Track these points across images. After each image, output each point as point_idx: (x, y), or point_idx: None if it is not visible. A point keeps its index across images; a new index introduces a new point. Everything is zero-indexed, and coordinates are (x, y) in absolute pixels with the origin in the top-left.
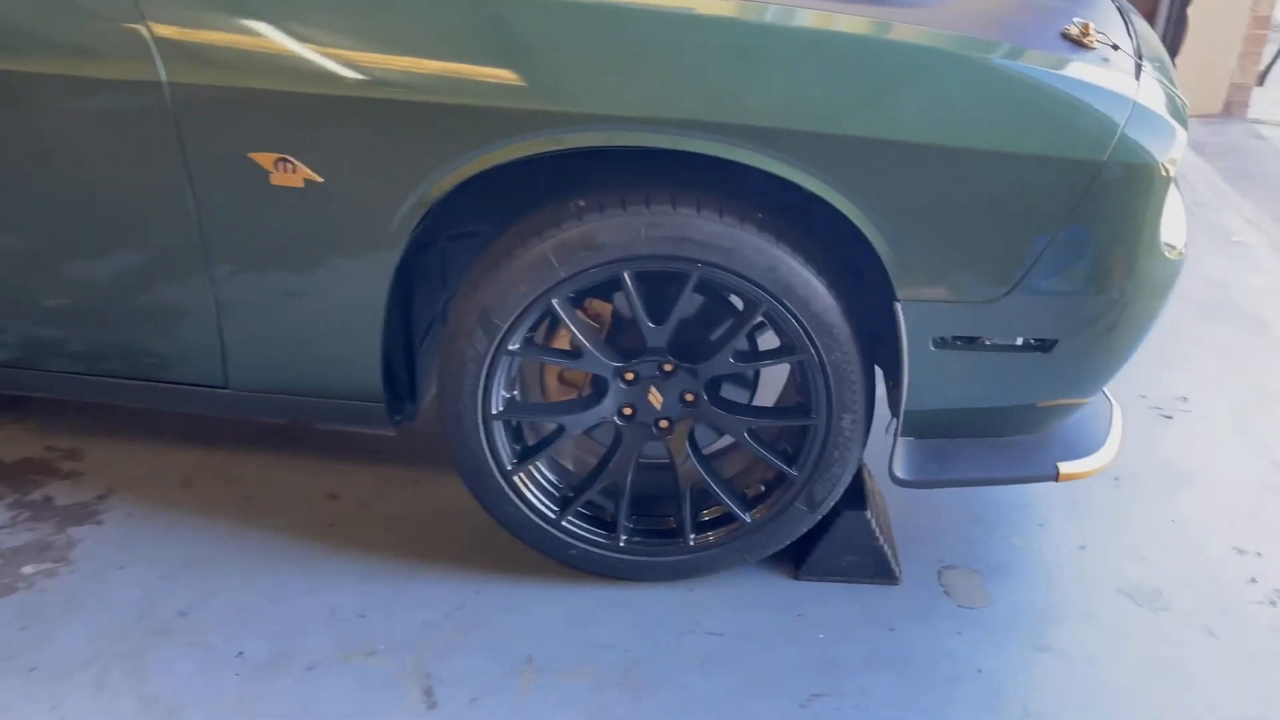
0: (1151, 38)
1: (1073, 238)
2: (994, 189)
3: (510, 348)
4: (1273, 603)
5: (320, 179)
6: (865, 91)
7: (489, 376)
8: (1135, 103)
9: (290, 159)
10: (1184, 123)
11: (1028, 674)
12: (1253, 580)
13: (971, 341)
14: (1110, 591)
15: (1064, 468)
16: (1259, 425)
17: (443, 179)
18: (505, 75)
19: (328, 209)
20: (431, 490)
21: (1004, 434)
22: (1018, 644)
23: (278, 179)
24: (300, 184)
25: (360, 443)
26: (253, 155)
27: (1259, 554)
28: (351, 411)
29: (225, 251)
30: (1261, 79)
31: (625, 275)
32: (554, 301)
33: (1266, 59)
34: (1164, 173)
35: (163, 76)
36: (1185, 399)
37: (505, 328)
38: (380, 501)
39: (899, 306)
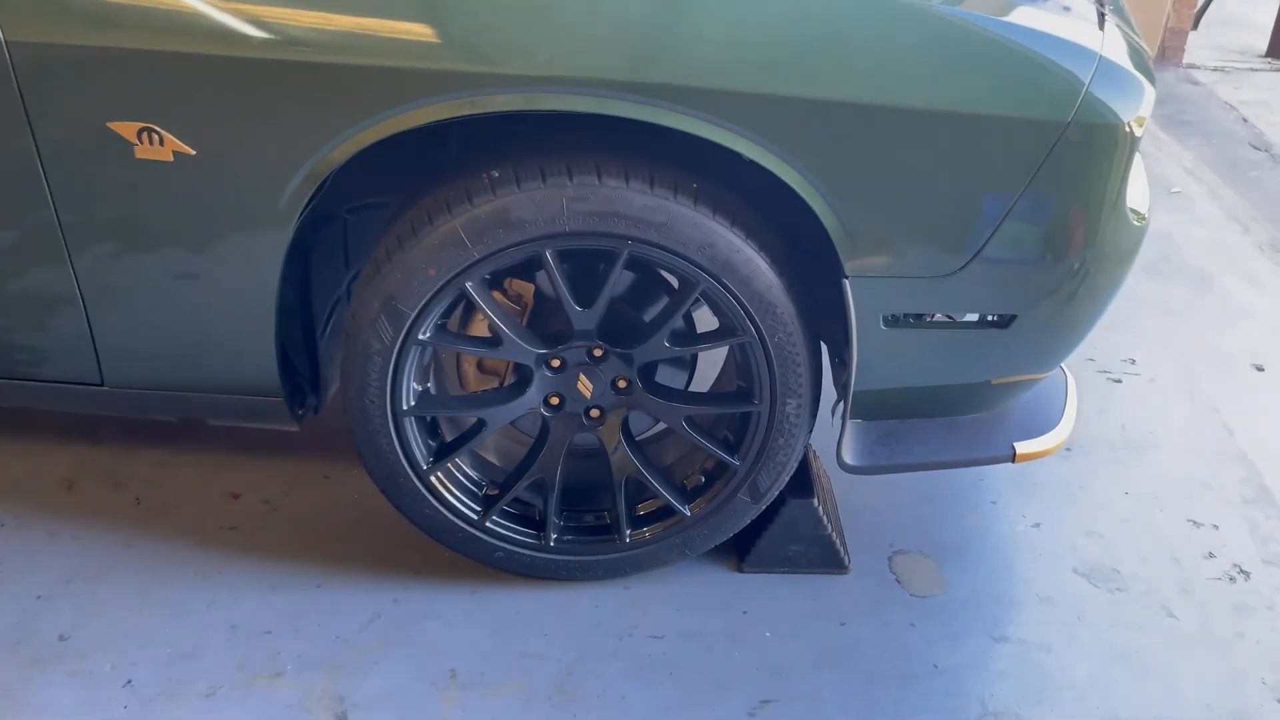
0: None
1: (1033, 206)
2: (947, 153)
3: (420, 337)
4: (1231, 579)
5: (192, 151)
6: (806, 47)
7: (397, 369)
8: (1101, 57)
9: (156, 129)
10: (1150, 77)
11: (985, 667)
12: (1210, 555)
13: (925, 319)
14: (1066, 572)
15: (1021, 448)
16: (1209, 387)
17: (336, 149)
18: (410, 31)
19: (203, 185)
20: (344, 486)
21: (956, 413)
22: (974, 634)
23: (143, 152)
24: (169, 158)
25: (264, 436)
26: (113, 126)
27: (1215, 526)
28: (247, 407)
29: (86, 235)
30: (1196, 23)
31: (547, 254)
32: (467, 285)
33: (1200, 1)
34: (1131, 133)
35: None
36: (1133, 361)
37: (413, 315)
38: (287, 501)
39: (847, 283)
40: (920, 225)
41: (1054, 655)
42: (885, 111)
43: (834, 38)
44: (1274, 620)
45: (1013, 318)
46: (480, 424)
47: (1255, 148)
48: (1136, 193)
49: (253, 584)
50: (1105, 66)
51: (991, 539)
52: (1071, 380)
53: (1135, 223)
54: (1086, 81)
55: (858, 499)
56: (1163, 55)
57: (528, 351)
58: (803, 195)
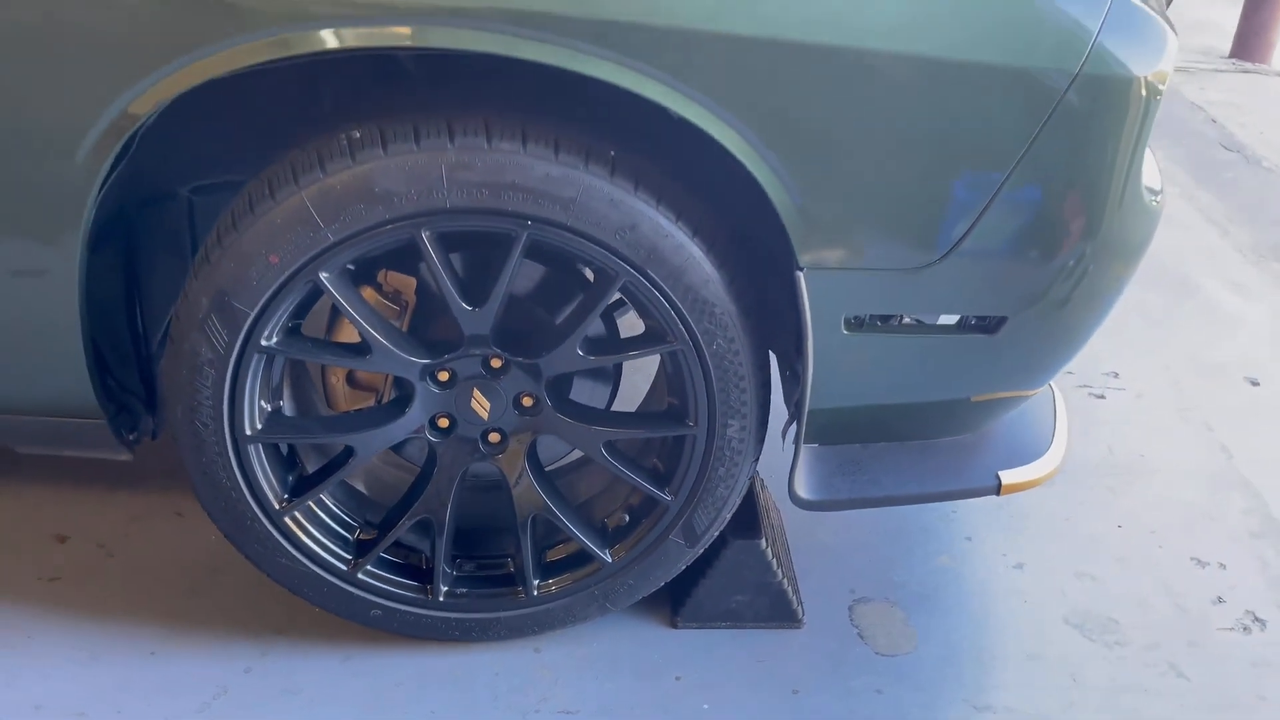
0: None
1: (1030, 181)
2: (925, 112)
3: (263, 342)
4: (1246, 628)
5: None
6: None
7: (235, 383)
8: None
9: None
10: (1171, 23)
11: None
12: (1219, 600)
13: (895, 321)
14: (1056, 623)
15: (1007, 477)
16: (1199, 402)
17: (132, 102)
18: None
19: None
20: (200, 524)
21: (930, 436)
22: (952, 703)
23: None
24: None
25: (102, 465)
26: None
27: (1221, 565)
28: (59, 431)
29: None
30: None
31: (423, 237)
32: (321, 276)
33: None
34: (1153, 93)
35: None
36: (1116, 374)
37: (253, 315)
38: (125, 544)
39: (801, 276)
40: (888, 204)
41: None
42: (846, 56)
43: None
44: None
45: (1001, 320)
46: (348, 452)
47: (1226, 148)
48: (1149, 168)
49: (70, 652)
50: (1121, 6)
51: (968, 583)
52: (1060, 397)
53: (1151, 204)
54: (1098, 24)
55: (812, 536)
56: None
57: (406, 362)
58: (745, 162)
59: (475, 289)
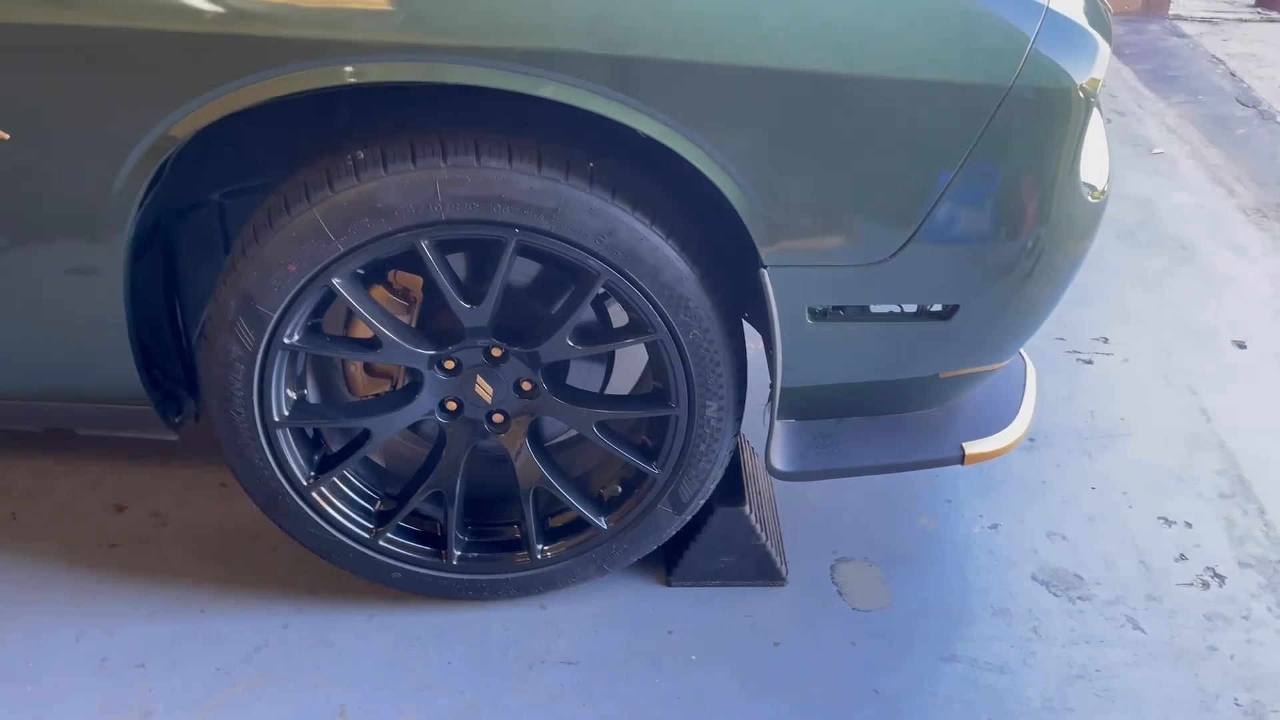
0: None
1: (973, 183)
2: (873, 126)
3: (286, 341)
4: (1205, 584)
5: (4, 135)
6: (706, 5)
7: (263, 376)
8: (1048, 9)
9: None
10: (1108, 34)
11: (931, 692)
12: (1182, 557)
13: (856, 311)
14: (1024, 580)
15: (970, 448)
16: (1185, 367)
17: (171, 128)
18: None
19: (21, 172)
20: (241, 495)
21: (902, 410)
22: (920, 654)
23: None
24: None
25: (154, 443)
26: None
27: (1188, 524)
28: (113, 415)
29: None
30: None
31: (423, 246)
32: (335, 282)
33: None
34: (1084, 98)
35: None
36: (1105, 339)
37: (275, 317)
38: (177, 512)
39: (765, 273)
40: (844, 207)
41: (1006, 676)
42: (797, 78)
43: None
44: (1249, 631)
45: (954, 308)
46: (366, 434)
47: (1242, 104)
48: (1094, 164)
49: (130, 610)
50: (1054, 21)
51: (944, 543)
52: (1031, 368)
53: (1091, 199)
54: (1031, 38)
55: (801, 498)
56: (1148, 6)
57: (414, 354)
58: (708, 174)
59: (474, 287)
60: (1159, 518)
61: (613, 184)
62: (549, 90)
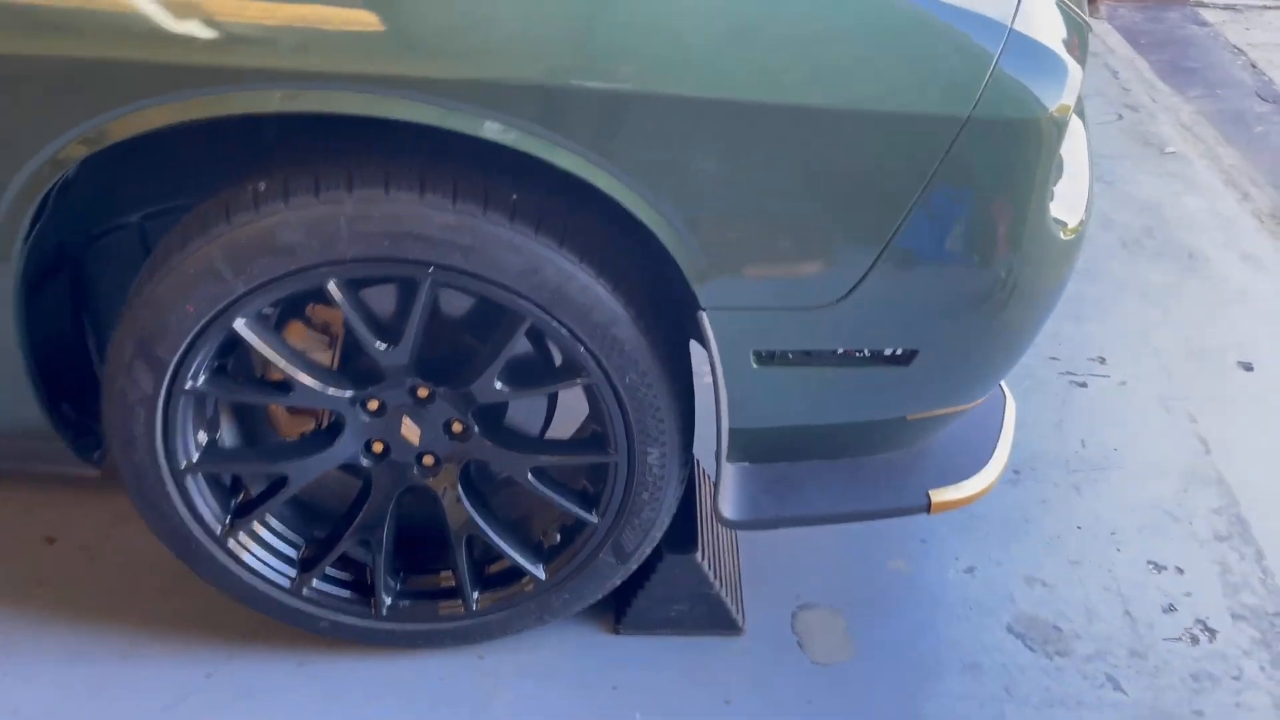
0: None
1: (928, 222)
2: (816, 160)
3: (188, 386)
4: (1194, 638)
5: None
6: (622, 24)
7: (167, 422)
8: (1011, 30)
9: None
10: (1082, 53)
11: None
12: (1170, 607)
13: (805, 355)
14: (999, 631)
15: (937, 496)
16: (1186, 391)
17: (43, 163)
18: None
19: None
20: None
21: (866, 452)
22: (882, 713)
23: None
24: None
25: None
26: None
27: (1179, 569)
28: (23, 451)
29: None
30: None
31: (331, 287)
32: (237, 324)
33: None
34: (1053, 127)
35: None
36: (1102, 359)
37: (175, 361)
38: (108, 545)
39: (704, 317)
40: (788, 247)
41: None
42: (731, 108)
43: (658, 15)
44: (1239, 694)
45: (912, 353)
46: (284, 480)
47: (1262, 99)
48: (1069, 195)
49: (51, 654)
50: (1018, 43)
51: (916, 588)
52: (1010, 403)
53: (1063, 235)
54: (991, 63)
55: (765, 537)
56: None
57: (330, 397)
58: (636, 213)
59: (397, 325)
60: (1148, 562)
61: (537, 218)
62: (454, 122)
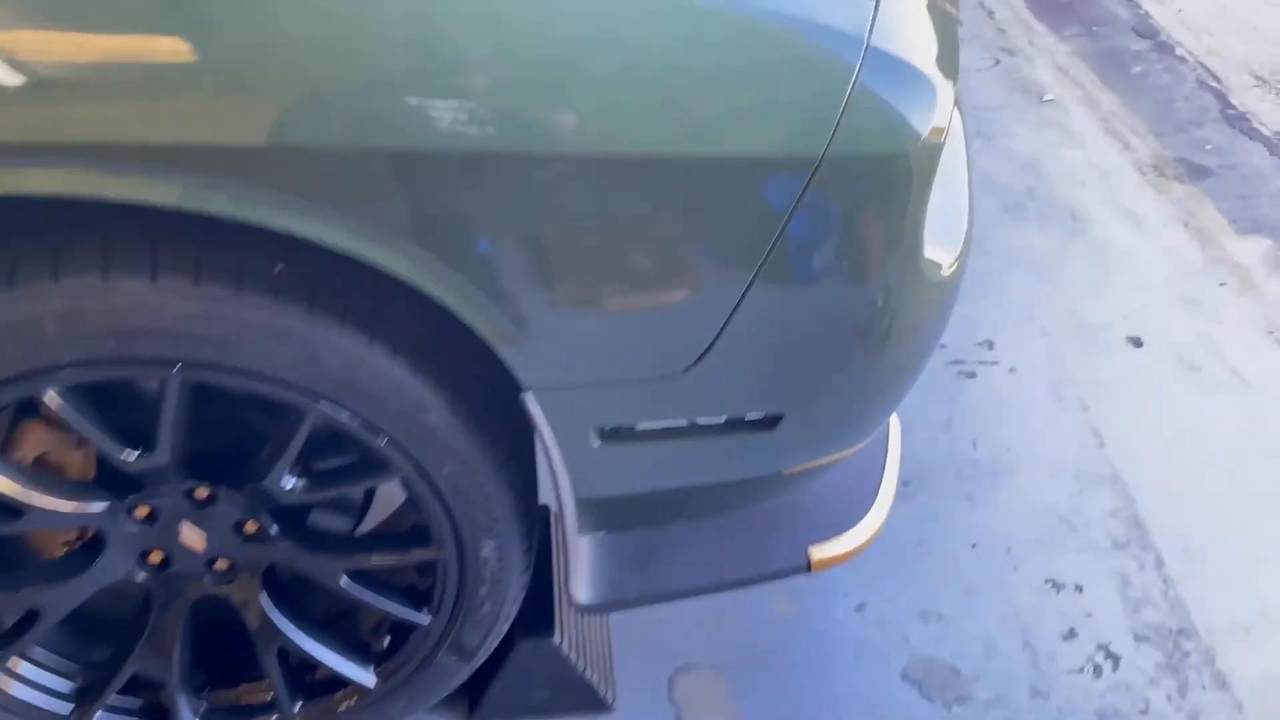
0: None
1: (781, 279)
2: (645, 215)
3: None
4: (1097, 668)
5: None
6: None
7: None
8: (868, 46)
9: None
10: (953, 58)
11: None
12: (1071, 633)
13: (654, 430)
14: (894, 679)
15: (817, 553)
16: (1076, 374)
17: None
18: None
19: None
20: None
21: (741, 507)
22: None
23: None
24: None
25: None
26: None
27: (1078, 587)
28: None
29: None
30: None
31: (48, 398)
32: None
33: None
34: (925, 158)
35: None
36: (990, 344)
37: None
38: None
39: (529, 397)
40: (618, 315)
41: None
42: (533, 161)
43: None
44: None
45: (778, 417)
46: (34, 614)
47: (1139, 34)
48: (945, 229)
49: None
50: (877, 62)
51: (803, 635)
52: (895, 430)
53: (936, 277)
54: (845, 92)
55: None
56: None
57: (76, 516)
58: (425, 288)
59: (148, 427)
60: (1046, 580)
61: (309, 293)
62: (167, 195)
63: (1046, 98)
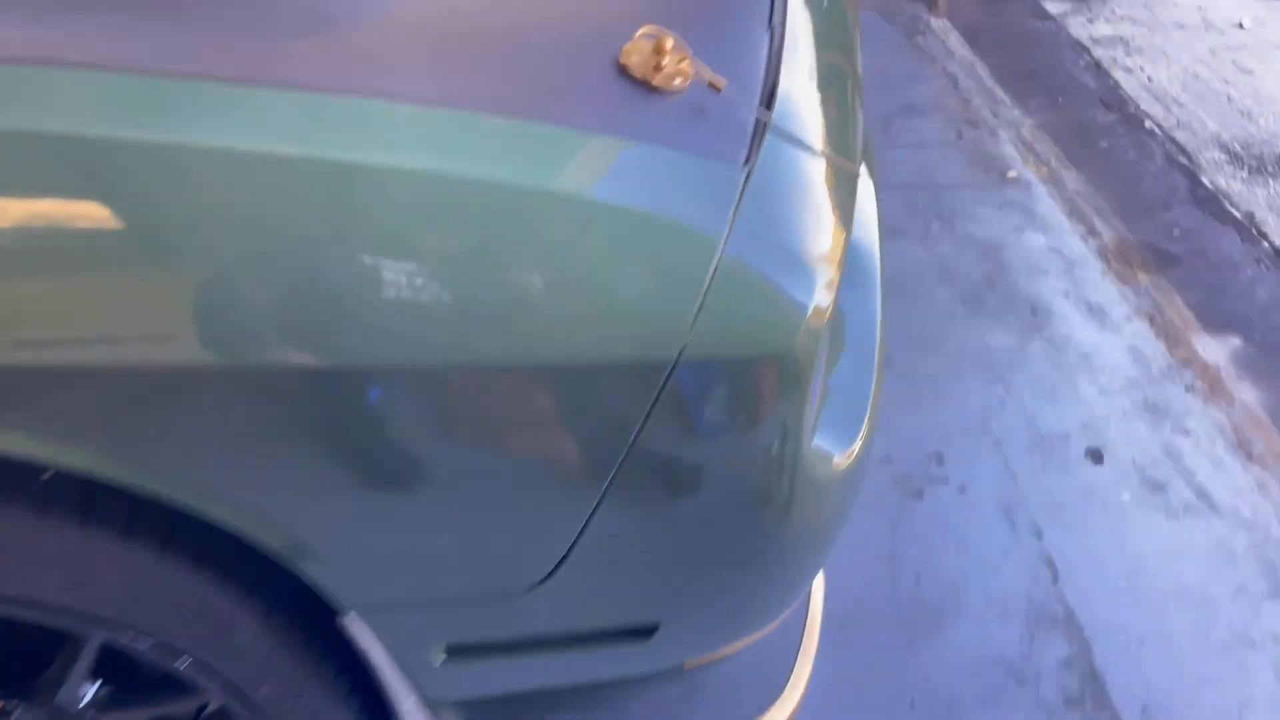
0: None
1: (640, 483)
2: (474, 424)
3: None
4: None
5: None
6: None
7: None
8: (734, 233)
9: None
10: (846, 218)
11: None
12: None
13: (508, 644)
14: None
15: None
16: (1031, 495)
17: None
18: None
19: None
20: None
21: (638, 695)
22: None
23: None
24: None
25: None
26: None
27: None
28: None
29: None
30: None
31: None
32: None
33: None
34: (807, 349)
35: None
36: (940, 459)
37: None
38: None
39: (348, 622)
40: (450, 528)
41: None
42: (344, 377)
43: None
44: None
45: (653, 626)
46: None
47: (1106, 106)
48: (842, 409)
49: None
50: (745, 245)
51: None
52: (818, 592)
53: (827, 472)
54: (704, 284)
55: None
56: None
57: None
58: (207, 512)
59: None
60: None
61: (84, 504)
62: None
63: (1010, 174)
